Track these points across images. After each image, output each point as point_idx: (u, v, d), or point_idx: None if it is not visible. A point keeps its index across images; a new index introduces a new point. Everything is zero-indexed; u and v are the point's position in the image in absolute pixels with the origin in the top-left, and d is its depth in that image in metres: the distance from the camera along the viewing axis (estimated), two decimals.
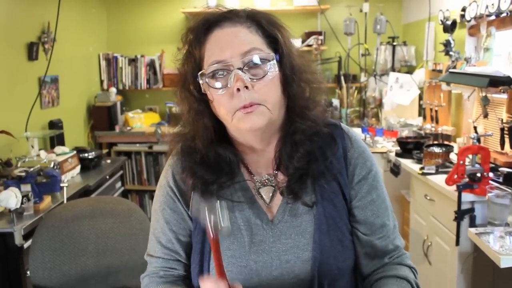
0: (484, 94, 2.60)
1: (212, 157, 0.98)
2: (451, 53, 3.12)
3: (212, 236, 0.85)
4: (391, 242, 1.02)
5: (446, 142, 3.12)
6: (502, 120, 2.50)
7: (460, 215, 2.17)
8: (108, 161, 3.49)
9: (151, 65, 4.51)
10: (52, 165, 2.63)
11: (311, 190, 0.98)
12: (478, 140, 2.37)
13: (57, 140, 3.32)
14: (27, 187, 2.26)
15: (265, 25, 0.94)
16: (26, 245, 2.08)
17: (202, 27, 0.94)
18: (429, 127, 3.41)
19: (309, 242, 0.96)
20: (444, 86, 3.16)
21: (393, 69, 4.08)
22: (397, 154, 3.09)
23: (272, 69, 0.91)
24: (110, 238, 1.87)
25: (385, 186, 1.05)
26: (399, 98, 3.70)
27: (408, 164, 2.88)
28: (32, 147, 2.81)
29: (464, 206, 2.18)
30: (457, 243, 2.21)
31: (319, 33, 4.37)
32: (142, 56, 4.51)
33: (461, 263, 2.24)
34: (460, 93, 3.14)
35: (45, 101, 3.41)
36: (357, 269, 1.02)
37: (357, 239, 1.00)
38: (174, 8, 4.51)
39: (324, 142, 0.98)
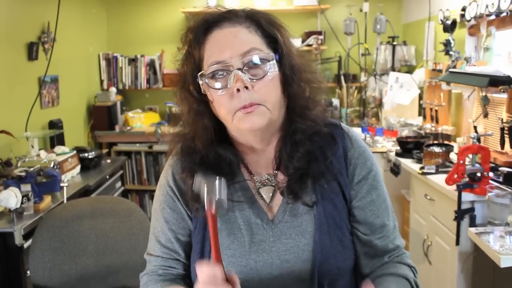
0: (484, 93, 2.60)
1: (212, 158, 0.98)
2: (451, 52, 3.12)
3: (209, 210, 0.85)
4: (391, 242, 1.02)
5: (446, 142, 3.12)
6: (502, 119, 2.50)
7: (460, 214, 2.17)
8: (108, 161, 3.49)
9: (151, 65, 4.51)
10: (52, 165, 2.63)
11: (311, 190, 0.98)
12: (478, 140, 2.37)
13: (57, 140, 3.32)
14: (27, 187, 2.26)
15: (265, 25, 0.94)
16: (26, 245, 2.08)
17: (202, 28, 0.94)
18: (429, 126, 3.41)
19: (309, 242, 0.96)
20: (444, 85, 3.16)
21: (393, 68, 4.08)
22: (397, 154, 3.09)
23: (272, 69, 0.91)
24: (110, 238, 1.87)
25: (385, 185, 1.05)
26: (399, 97, 3.70)
27: (408, 163, 2.88)
28: (32, 147, 2.81)
29: (464, 206, 2.18)
30: (457, 242, 2.21)
31: (319, 33, 4.37)
32: (142, 56, 4.51)
33: (461, 263, 2.24)
34: (460, 92, 3.14)
35: (45, 101, 3.41)
36: (357, 269, 1.02)
37: (357, 239, 1.00)
38: (174, 8, 4.51)
39: (324, 142, 0.98)
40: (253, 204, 1.00)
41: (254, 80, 0.90)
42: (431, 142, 3.09)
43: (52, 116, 3.46)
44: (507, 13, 2.59)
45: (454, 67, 3.00)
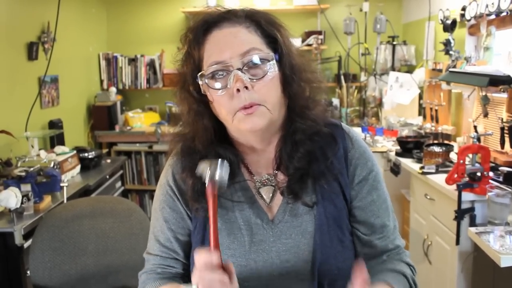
0: (484, 93, 2.60)
1: (212, 158, 0.97)
2: (451, 52, 3.12)
3: (210, 190, 0.85)
4: (391, 242, 1.02)
5: (446, 142, 3.12)
6: (502, 119, 2.50)
7: (460, 214, 2.17)
8: (108, 160, 3.49)
9: (151, 64, 4.51)
10: (52, 165, 2.63)
11: (311, 190, 0.98)
12: (478, 140, 2.37)
13: (57, 140, 3.32)
14: (27, 187, 2.26)
15: (264, 24, 0.94)
16: (26, 245, 2.08)
17: (201, 28, 0.94)
18: (429, 126, 3.41)
19: (309, 242, 0.96)
20: (444, 85, 3.16)
21: (393, 68, 4.08)
22: (397, 154, 3.09)
23: (272, 69, 0.91)
24: (110, 237, 1.87)
25: (385, 185, 1.05)
26: (399, 97, 3.70)
27: (408, 163, 2.88)
28: (32, 147, 2.81)
29: (464, 206, 2.17)
30: (457, 242, 2.21)
31: (319, 33, 4.37)
32: (142, 55, 4.51)
33: (461, 263, 2.24)
34: (460, 92, 3.14)
35: (45, 101, 3.41)
36: None
37: (357, 239, 1.00)
38: (174, 8, 4.51)
39: (324, 142, 0.98)
40: (253, 204, 1.00)
41: (254, 80, 0.90)
42: (431, 141, 3.09)
43: (52, 116, 3.46)
44: (507, 12, 2.59)
45: (454, 66, 3.00)
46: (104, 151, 4.10)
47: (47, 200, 2.37)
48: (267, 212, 0.99)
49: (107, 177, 3.21)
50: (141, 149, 4.36)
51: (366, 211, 1.00)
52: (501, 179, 2.25)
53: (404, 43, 4.17)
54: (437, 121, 3.37)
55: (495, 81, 2.32)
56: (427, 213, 2.64)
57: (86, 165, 3.14)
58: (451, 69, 2.91)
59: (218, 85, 0.91)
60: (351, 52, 4.29)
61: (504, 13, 2.62)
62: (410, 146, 3.03)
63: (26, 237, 2.09)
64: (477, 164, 2.24)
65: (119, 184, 3.56)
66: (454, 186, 2.23)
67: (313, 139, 0.97)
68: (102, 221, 1.89)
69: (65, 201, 2.43)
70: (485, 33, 2.83)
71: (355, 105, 4.40)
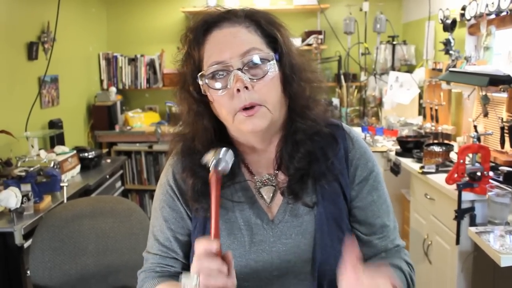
0: (484, 93, 2.60)
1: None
2: (451, 52, 3.12)
3: (214, 174, 0.85)
4: (391, 242, 1.02)
5: (446, 141, 3.12)
6: (502, 119, 2.50)
7: (460, 214, 2.17)
8: (108, 160, 3.49)
9: (151, 64, 4.51)
10: (52, 165, 2.63)
11: (311, 190, 0.98)
12: (478, 139, 2.37)
13: (57, 139, 3.32)
14: (27, 187, 2.26)
15: (264, 24, 0.94)
16: (26, 245, 2.08)
17: (201, 28, 0.94)
18: (429, 126, 3.41)
19: (309, 242, 0.96)
20: (444, 85, 3.16)
21: (393, 68, 4.08)
22: (397, 153, 3.09)
23: (272, 68, 0.91)
24: (110, 237, 1.87)
25: (385, 185, 1.05)
26: (399, 97, 3.69)
27: (408, 163, 2.88)
28: (32, 146, 2.81)
29: (464, 205, 2.17)
30: (457, 242, 2.21)
31: (319, 32, 4.37)
32: (142, 55, 4.51)
33: (461, 262, 2.24)
34: (460, 92, 3.14)
35: (45, 100, 3.41)
36: None
37: (357, 239, 1.00)
38: (174, 8, 4.51)
39: (325, 142, 0.98)
40: (253, 205, 0.99)
41: (254, 80, 0.89)
42: (431, 141, 3.09)
43: (52, 116, 3.46)
44: (507, 12, 2.59)
45: (454, 66, 3.00)
46: (104, 151, 4.10)
47: (47, 200, 2.37)
48: (267, 212, 0.99)
49: (107, 177, 3.21)
50: (141, 149, 4.36)
51: (366, 211, 1.00)
52: (501, 178, 2.25)
53: (404, 42, 4.17)
54: (437, 121, 3.37)
55: (495, 81, 2.32)
56: (427, 213, 2.64)
57: (86, 165, 3.14)
58: (451, 69, 2.91)
59: (218, 85, 0.91)
60: (351, 51, 4.29)
61: (504, 13, 2.62)
62: (410, 145, 3.03)
63: (26, 237, 2.09)
64: (477, 164, 2.24)
65: (119, 184, 3.56)
66: (454, 186, 2.23)
67: (314, 139, 0.97)
68: (102, 221, 1.89)
69: (65, 201, 2.43)
70: (485, 33, 2.83)
71: (355, 105, 4.40)
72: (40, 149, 2.86)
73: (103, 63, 4.51)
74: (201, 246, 0.80)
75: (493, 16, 2.77)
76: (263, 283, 0.96)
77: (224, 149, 0.88)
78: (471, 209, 2.18)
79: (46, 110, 3.43)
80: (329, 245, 0.95)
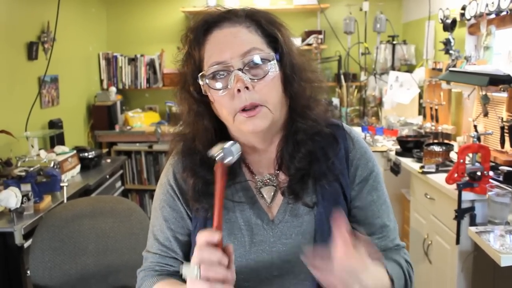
0: (484, 92, 2.60)
1: (212, 158, 0.97)
2: (451, 51, 3.12)
3: (219, 171, 0.86)
4: (391, 241, 1.02)
5: (446, 141, 3.12)
6: (502, 118, 2.50)
7: (460, 213, 2.17)
8: (108, 160, 3.49)
9: (151, 64, 4.51)
10: (52, 165, 2.63)
11: (312, 190, 0.98)
12: (478, 139, 2.37)
13: (57, 139, 3.32)
14: (27, 187, 2.26)
15: (265, 24, 0.94)
16: (26, 245, 2.08)
17: (201, 28, 0.93)
18: (429, 126, 3.41)
19: (310, 242, 0.96)
20: (444, 84, 3.16)
21: (393, 68, 4.08)
22: (397, 153, 3.09)
23: (273, 68, 0.91)
24: (110, 237, 1.87)
25: (385, 185, 1.05)
26: (399, 97, 3.69)
27: (408, 163, 2.88)
28: (32, 146, 2.81)
29: (464, 205, 2.17)
30: (457, 242, 2.21)
31: (319, 32, 4.37)
32: (142, 55, 4.50)
33: (461, 262, 2.24)
34: (460, 91, 3.14)
35: (45, 100, 3.41)
36: None
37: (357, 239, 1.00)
38: (174, 7, 4.51)
39: (326, 143, 0.98)
40: (254, 205, 0.99)
41: (255, 80, 0.89)
42: (431, 141, 3.08)
43: (52, 116, 3.46)
44: (507, 12, 2.59)
45: (454, 66, 3.00)
46: (104, 151, 4.10)
47: (47, 200, 2.37)
48: (267, 212, 0.99)
49: (107, 177, 3.21)
50: (141, 149, 4.36)
51: (366, 211, 1.00)
52: (501, 178, 2.25)
53: (404, 42, 4.17)
54: (437, 121, 3.37)
55: (495, 81, 2.32)
56: (427, 213, 2.64)
57: (86, 165, 3.14)
58: (451, 69, 2.91)
59: (219, 85, 0.91)
60: (351, 51, 4.29)
61: (504, 13, 2.62)
62: (410, 145, 3.03)
63: (26, 237, 2.09)
64: (477, 164, 2.24)
65: (119, 184, 3.56)
66: (454, 186, 2.23)
67: (315, 139, 0.97)
68: (102, 221, 1.89)
69: (65, 201, 2.43)
70: (485, 33, 2.83)
71: (355, 105, 4.40)
72: (40, 149, 2.86)
73: (103, 63, 4.51)
74: (202, 237, 0.80)
75: (493, 15, 2.77)
76: (263, 283, 0.96)
77: (231, 142, 0.88)
78: (471, 208, 2.18)
79: (46, 110, 3.43)
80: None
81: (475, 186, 2.17)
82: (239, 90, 0.88)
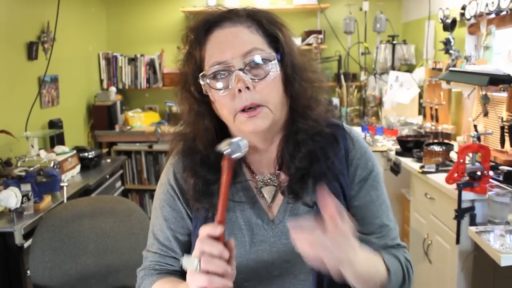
0: (484, 92, 2.60)
1: (213, 158, 0.97)
2: (451, 51, 3.12)
3: (226, 166, 0.86)
4: (390, 240, 1.02)
5: (446, 141, 3.12)
6: (502, 118, 2.50)
7: (460, 213, 2.17)
8: (108, 160, 3.49)
9: (150, 64, 4.51)
10: (52, 165, 2.63)
11: (312, 190, 0.98)
12: (478, 139, 2.37)
13: (57, 139, 3.32)
14: (27, 187, 2.26)
15: (266, 24, 0.94)
16: (26, 245, 2.08)
17: (202, 28, 0.93)
18: (429, 125, 3.41)
19: None
20: (444, 84, 3.16)
21: (393, 67, 4.08)
22: (397, 153, 3.09)
23: (274, 69, 0.91)
24: (110, 237, 1.87)
25: (385, 185, 1.05)
26: (399, 96, 3.69)
27: (408, 162, 2.88)
28: (32, 146, 2.81)
29: (464, 205, 2.17)
30: (458, 241, 2.21)
31: (319, 32, 4.37)
32: (141, 55, 4.50)
33: (461, 262, 2.24)
34: (460, 91, 3.14)
35: (45, 100, 3.41)
36: None
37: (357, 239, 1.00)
38: (174, 7, 4.51)
39: (326, 142, 0.98)
40: (254, 205, 0.99)
41: (256, 80, 0.89)
42: (431, 141, 3.08)
43: (52, 116, 3.46)
44: (507, 11, 2.59)
45: (454, 66, 3.00)
46: (104, 150, 4.10)
47: (47, 200, 2.37)
48: (268, 212, 0.99)
49: (107, 176, 3.21)
50: (141, 149, 4.36)
51: (365, 210, 1.00)
52: (501, 178, 2.25)
53: (404, 42, 4.17)
54: (437, 120, 3.37)
55: (495, 80, 2.32)
56: (427, 212, 2.64)
57: (86, 165, 3.14)
58: (451, 68, 2.91)
59: (219, 85, 0.91)
60: (351, 51, 4.29)
61: (504, 12, 2.62)
62: (410, 145, 3.03)
63: (26, 237, 2.09)
64: (477, 163, 2.24)
65: (119, 183, 3.56)
66: (454, 185, 2.23)
67: (315, 139, 0.97)
68: (102, 221, 1.89)
69: (65, 200, 2.43)
70: (485, 32, 2.83)
71: (355, 105, 4.40)
72: (40, 149, 2.86)
73: (103, 63, 4.51)
74: (205, 230, 0.81)
75: (493, 15, 2.77)
76: (263, 283, 0.96)
77: (239, 137, 0.88)
78: (471, 208, 2.18)
79: (46, 110, 3.43)
80: None
81: (475, 186, 2.17)
82: (240, 90, 0.88)
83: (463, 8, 3.05)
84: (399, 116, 3.77)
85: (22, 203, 2.16)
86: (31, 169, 2.42)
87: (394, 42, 4.11)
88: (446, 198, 2.33)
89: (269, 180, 1.01)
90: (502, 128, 2.47)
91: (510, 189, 2.07)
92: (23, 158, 2.66)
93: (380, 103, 4.16)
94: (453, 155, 2.71)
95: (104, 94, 4.32)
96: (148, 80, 4.52)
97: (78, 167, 3.04)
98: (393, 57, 4.10)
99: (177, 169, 1.03)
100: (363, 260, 0.83)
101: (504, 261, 1.73)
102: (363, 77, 4.36)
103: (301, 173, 0.96)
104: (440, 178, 2.42)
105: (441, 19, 3.26)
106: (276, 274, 0.96)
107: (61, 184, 2.49)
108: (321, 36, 4.31)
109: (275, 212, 0.99)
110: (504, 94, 2.56)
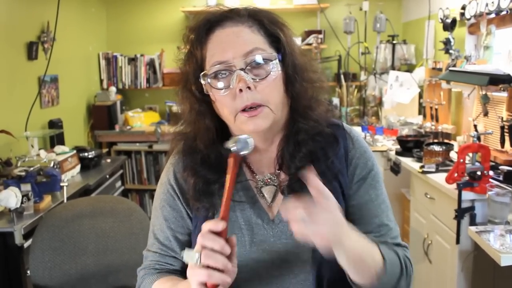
0: (484, 92, 2.60)
1: (213, 157, 0.97)
2: (451, 51, 3.12)
3: (232, 163, 0.86)
4: (391, 239, 1.01)
5: (446, 141, 3.12)
6: (502, 118, 2.50)
7: (460, 213, 2.17)
8: (108, 160, 3.49)
9: (150, 64, 4.51)
10: (52, 165, 2.63)
11: None
12: (478, 139, 2.37)
13: (57, 139, 3.32)
14: (27, 187, 2.26)
15: (267, 24, 0.94)
16: (26, 245, 2.08)
17: (204, 27, 0.93)
18: (429, 125, 3.41)
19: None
20: (444, 84, 3.16)
21: (393, 67, 4.08)
22: (397, 153, 3.09)
23: (275, 69, 0.91)
24: (110, 237, 1.87)
25: (385, 184, 1.04)
26: (399, 96, 3.69)
27: (408, 162, 2.88)
28: (32, 146, 2.81)
29: (464, 205, 2.17)
30: (458, 241, 2.21)
31: (319, 32, 4.37)
32: (141, 55, 4.50)
33: (461, 262, 2.24)
34: (460, 91, 3.14)
35: (44, 100, 3.41)
36: None
37: None
38: (174, 7, 4.51)
39: (326, 142, 0.98)
40: (254, 204, 0.99)
41: (257, 80, 0.89)
42: (431, 140, 3.08)
43: (52, 116, 3.46)
44: (507, 11, 2.59)
45: (454, 65, 3.00)
46: (104, 150, 4.10)
47: (47, 199, 2.37)
48: (268, 212, 0.99)
49: (107, 176, 3.21)
50: (141, 149, 4.36)
51: (364, 209, 1.00)
52: (501, 178, 2.25)
53: (404, 42, 4.17)
54: (437, 120, 3.37)
55: (495, 80, 2.33)
56: (427, 212, 2.64)
57: (86, 165, 3.14)
58: (451, 68, 2.91)
59: (220, 84, 0.91)
60: (351, 51, 4.29)
61: (504, 12, 2.62)
62: (410, 145, 3.03)
63: (26, 237, 2.09)
64: (477, 163, 2.24)
65: (119, 183, 3.56)
66: (454, 185, 2.23)
67: (316, 139, 0.97)
68: (102, 221, 1.89)
69: (65, 200, 2.43)
70: (485, 32, 2.83)
71: (355, 104, 4.40)
72: (40, 149, 2.86)
73: (103, 62, 4.51)
74: (207, 225, 0.81)
75: (493, 15, 2.77)
76: (263, 283, 0.96)
77: (246, 135, 0.88)
78: (471, 208, 2.18)
79: (46, 110, 3.43)
80: None
81: (475, 186, 2.17)
82: (241, 90, 0.88)
83: (463, 8, 3.06)
84: (399, 116, 3.77)
85: (22, 203, 2.16)
86: (31, 169, 2.43)
87: (394, 42, 4.11)
88: (446, 198, 2.33)
89: (269, 180, 1.01)
90: (502, 128, 2.47)
91: (510, 189, 2.07)
92: (23, 158, 2.66)
93: (380, 103, 4.16)
94: (453, 155, 2.71)
95: (104, 94, 4.32)
96: (148, 80, 4.52)
97: (78, 167, 3.04)
98: (393, 57, 4.10)
99: (178, 168, 1.03)
100: (355, 242, 0.83)
101: (504, 261, 1.73)
102: (363, 77, 4.36)
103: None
104: (440, 178, 2.42)
105: (441, 19, 3.26)
106: (276, 274, 0.96)
107: (61, 184, 2.49)
108: (321, 36, 4.31)
109: (275, 212, 0.99)
110: (504, 94, 2.56)
